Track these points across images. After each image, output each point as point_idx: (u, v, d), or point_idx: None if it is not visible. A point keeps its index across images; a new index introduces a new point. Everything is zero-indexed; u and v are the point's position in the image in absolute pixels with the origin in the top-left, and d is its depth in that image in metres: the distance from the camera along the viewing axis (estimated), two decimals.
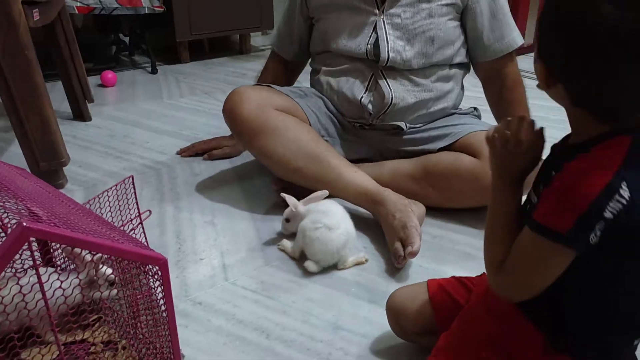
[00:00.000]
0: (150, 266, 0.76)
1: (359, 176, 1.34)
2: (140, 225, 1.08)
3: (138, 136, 1.92)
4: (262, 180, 1.58)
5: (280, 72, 1.65)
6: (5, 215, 0.80)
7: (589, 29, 0.59)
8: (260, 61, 2.89)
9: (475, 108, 1.57)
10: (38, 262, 0.99)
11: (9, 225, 0.82)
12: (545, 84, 0.67)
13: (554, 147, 0.73)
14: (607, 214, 0.60)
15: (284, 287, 1.13)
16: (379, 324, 1.02)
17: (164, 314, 0.80)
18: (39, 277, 0.64)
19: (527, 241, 0.66)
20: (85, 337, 0.95)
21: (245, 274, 1.17)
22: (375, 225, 1.31)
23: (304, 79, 1.71)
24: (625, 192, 0.60)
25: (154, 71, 2.70)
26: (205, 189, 1.55)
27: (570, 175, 0.63)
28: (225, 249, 1.26)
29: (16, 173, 0.89)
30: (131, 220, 1.07)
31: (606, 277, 0.66)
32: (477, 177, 1.28)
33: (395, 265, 1.18)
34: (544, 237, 0.63)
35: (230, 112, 1.39)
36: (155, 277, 0.77)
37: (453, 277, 0.91)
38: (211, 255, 1.24)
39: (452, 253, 1.24)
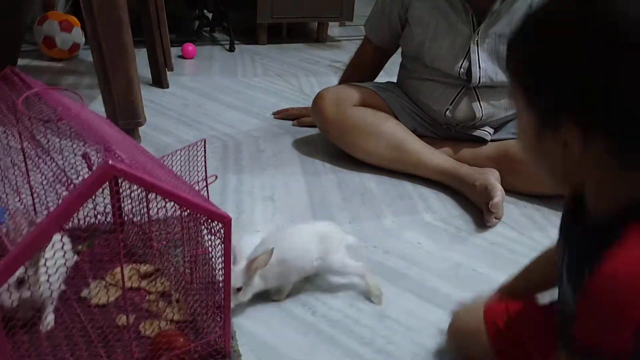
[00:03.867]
0: (214, 223, 0.80)
1: (436, 157, 1.49)
2: (205, 189, 1.12)
3: (210, 108, 1.98)
4: (322, 163, 1.60)
5: (370, 56, 1.71)
6: (92, 152, 0.85)
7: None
8: (335, 51, 2.94)
9: None
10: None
11: (94, 162, 0.87)
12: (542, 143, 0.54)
13: (568, 224, 0.61)
14: None
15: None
16: (424, 319, 1.01)
17: (221, 273, 0.83)
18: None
19: None
20: (142, 285, 1.00)
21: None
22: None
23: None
24: None
25: (232, 49, 2.77)
26: (268, 165, 1.58)
27: (608, 279, 0.49)
28: (281, 224, 1.29)
29: (104, 122, 0.94)
30: (197, 182, 1.11)
31: None
32: None
33: (486, 224, 1.31)
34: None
35: (315, 113, 1.61)
36: (218, 235, 0.80)
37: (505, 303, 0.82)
38: (267, 229, 1.27)
39: (508, 262, 1.21)
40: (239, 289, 0.95)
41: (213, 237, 0.81)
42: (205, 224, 0.81)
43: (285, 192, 1.44)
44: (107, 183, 0.66)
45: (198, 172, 1.11)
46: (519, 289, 0.89)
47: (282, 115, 1.93)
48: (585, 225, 0.58)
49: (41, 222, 0.61)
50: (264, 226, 1.28)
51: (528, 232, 1.31)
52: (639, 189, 0.51)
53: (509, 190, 1.41)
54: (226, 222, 0.77)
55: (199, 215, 0.80)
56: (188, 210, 0.77)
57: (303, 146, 1.72)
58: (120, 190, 1.06)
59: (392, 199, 1.43)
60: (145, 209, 1.04)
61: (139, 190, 1.02)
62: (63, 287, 0.92)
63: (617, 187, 0.53)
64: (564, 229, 0.63)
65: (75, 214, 0.93)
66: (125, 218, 1.10)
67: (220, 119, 1.89)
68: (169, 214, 0.90)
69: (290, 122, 1.89)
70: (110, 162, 0.62)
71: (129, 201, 1.06)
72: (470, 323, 0.82)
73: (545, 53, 0.51)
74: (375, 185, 1.50)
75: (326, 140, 1.66)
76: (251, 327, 0.96)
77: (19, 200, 1.04)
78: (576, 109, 0.50)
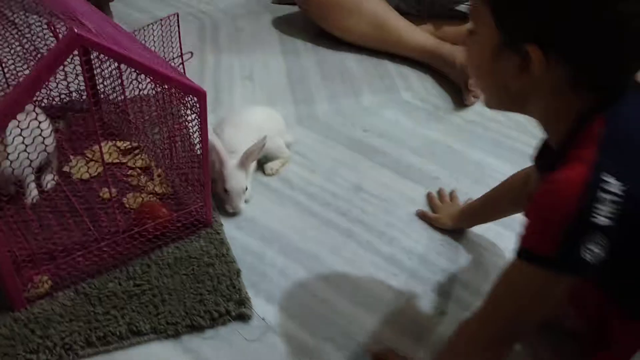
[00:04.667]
0: (189, 98, 0.80)
1: (418, 35, 1.46)
2: (181, 66, 1.10)
3: None
4: (303, 42, 1.57)
5: None
6: (58, 22, 0.83)
7: None
8: None
9: None
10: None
11: (60, 32, 0.85)
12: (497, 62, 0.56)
13: (537, 163, 0.66)
14: (600, 220, 0.49)
15: (313, 147, 1.17)
16: (398, 191, 1.06)
17: (199, 147, 0.84)
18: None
19: (512, 272, 0.57)
20: (124, 161, 1.02)
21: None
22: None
23: None
24: (612, 187, 0.49)
25: None
26: (246, 44, 1.54)
27: (545, 186, 0.53)
28: (260, 102, 1.29)
29: None
30: (173, 59, 1.08)
31: None
32: None
33: (464, 103, 1.32)
34: (528, 264, 0.54)
35: None
36: (194, 109, 0.81)
37: None
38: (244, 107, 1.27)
39: (483, 139, 1.24)
40: (245, 189, 0.96)
41: (189, 111, 0.81)
42: (181, 100, 0.82)
43: (264, 72, 1.42)
44: (79, 58, 0.64)
45: (173, 48, 1.08)
46: (479, 212, 0.93)
47: None
48: (548, 155, 0.62)
49: (11, 92, 0.61)
50: (244, 105, 1.28)
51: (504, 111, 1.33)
52: (577, 110, 0.55)
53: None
54: (201, 95, 0.77)
55: (173, 90, 0.80)
56: (162, 85, 0.76)
57: (283, 25, 1.67)
58: (94, 67, 1.05)
59: (371, 78, 1.42)
60: (121, 87, 1.03)
61: (113, 67, 1.00)
62: (42, 162, 0.94)
63: (562, 108, 0.56)
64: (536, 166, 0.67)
65: (46, 85, 0.92)
66: (102, 96, 1.09)
67: None
68: (146, 91, 0.90)
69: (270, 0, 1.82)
70: (76, 31, 0.61)
71: (104, 80, 1.05)
72: None
73: None
74: (356, 64, 1.48)
75: (306, 19, 1.60)
76: None
77: None
78: (544, 32, 0.52)
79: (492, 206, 0.91)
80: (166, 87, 0.79)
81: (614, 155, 0.51)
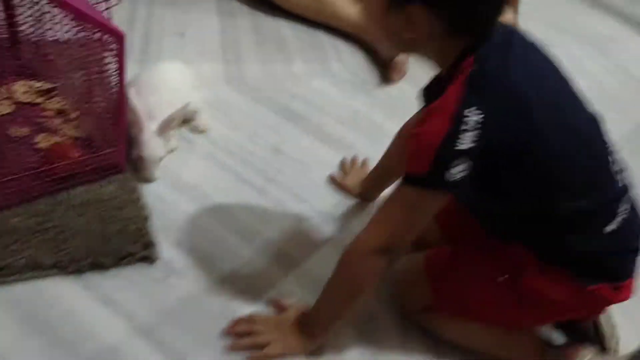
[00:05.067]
0: (109, 39, 0.79)
1: (352, 9, 1.46)
2: (107, 12, 1.08)
3: None
4: (240, 5, 1.56)
5: None
6: None
7: None
8: None
9: None
10: None
11: None
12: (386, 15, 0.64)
13: (424, 95, 0.73)
14: (464, 146, 0.59)
15: (239, 107, 1.19)
16: (317, 156, 1.10)
17: (115, 90, 0.84)
18: None
19: (393, 193, 0.67)
20: (39, 102, 1.00)
21: (203, 86, 1.21)
22: None
23: None
24: (474, 116, 0.59)
25: None
26: (182, 0, 1.52)
27: (420, 120, 0.64)
28: (188, 59, 1.28)
29: None
30: (98, 3, 1.06)
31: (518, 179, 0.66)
32: None
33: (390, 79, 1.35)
34: (406, 185, 0.64)
35: None
36: (111, 51, 0.80)
37: None
38: (174, 61, 1.26)
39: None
40: (160, 159, 0.93)
41: (108, 54, 0.81)
42: (100, 41, 0.81)
43: (197, 30, 1.41)
44: None
45: None
46: (377, 180, 0.98)
47: None
48: (429, 84, 0.72)
49: None
50: (171, 59, 1.27)
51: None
52: (455, 53, 0.64)
53: None
54: (119, 37, 0.77)
55: (94, 32, 0.79)
56: (79, 24, 0.75)
57: None
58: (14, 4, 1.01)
59: (305, 47, 1.44)
60: (42, 28, 1.00)
61: (31, 4, 0.97)
62: None
63: (444, 50, 0.65)
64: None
65: None
66: (21, 35, 1.06)
67: None
68: (70, 35, 0.88)
69: None
70: None
71: (24, 19, 1.02)
72: (410, 273, 0.86)
73: None
74: (291, 33, 1.49)
75: None
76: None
77: None
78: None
79: (387, 172, 0.95)
80: (84, 26, 0.79)
81: (476, 90, 0.60)
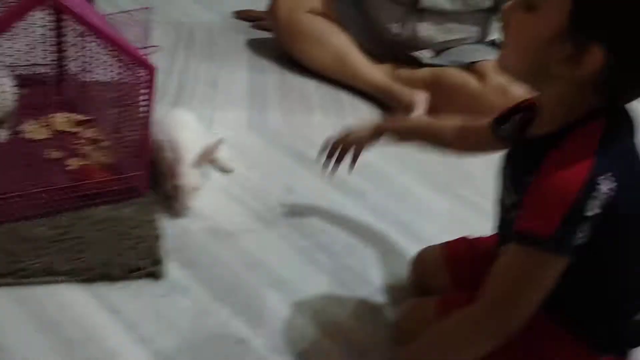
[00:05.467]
0: (142, 73, 0.89)
1: (374, 73, 1.59)
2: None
3: None
4: (270, 63, 1.69)
5: None
6: None
7: None
8: None
9: (493, 41, 1.66)
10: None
11: None
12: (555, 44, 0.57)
13: (515, 139, 0.70)
14: (590, 212, 0.57)
15: (257, 149, 1.27)
16: (326, 197, 1.15)
17: (144, 120, 0.93)
18: None
19: (510, 257, 0.62)
20: (76, 131, 1.10)
21: (227, 131, 1.29)
22: None
23: None
24: (606, 184, 0.57)
25: None
26: (217, 55, 1.66)
27: (546, 177, 0.58)
28: (217, 107, 1.39)
29: None
30: (138, 48, 1.18)
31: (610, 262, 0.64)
32: (479, 99, 1.44)
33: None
34: (526, 246, 0.59)
35: (269, 15, 1.68)
36: (144, 83, 0.90)
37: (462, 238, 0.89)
38: (203, 108, 1.36)
39: (412, 167, 1.35)
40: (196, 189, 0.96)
41: (139, 86, 0.90)
42: (134, 74, 0.91)
43: (228, 82, 1.53)
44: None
45: (140, 40, 1.19)
46: (413, 130, 0.96)
47: (243, 15, 1.97)
48: (533, 139, 0.66)
49: None
50: (201, 104, 1.38)
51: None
52: (595, 105, 0.60)
53: (436, 114, 1.53)
54: (151, 70, 0.87)
55: (128, 66, 0.89)
56: (118, 55, 0.85)
57: (255, 46, 1.79)
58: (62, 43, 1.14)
59: (325, 102, 1.54)
60: (87, 69, 1.12)
61: (80, 47, 1.09)
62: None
63: (577, 102, 0.60)
64: (509, 151, 0.71)
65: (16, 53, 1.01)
66: (67, 71, 1.18)
67: (181, 7, 1.93)
68: (109, 75, 0.99)
69: (250, 24, 1.94)
70: None
71: (74, 56, 1.14)
72: (430, 259, 0.89)
73: None
74: (314, 90, 1.60)
75: (279, 46, 1.73)
76: None
77: None
78: (618, 36, 0.55)
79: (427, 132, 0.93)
80: (122, 62, 0.89)
81: (611, 155, 0.58)
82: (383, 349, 0.82)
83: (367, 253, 1.03)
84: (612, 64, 0.55)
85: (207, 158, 0.98)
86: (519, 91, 1.43)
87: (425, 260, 0.92)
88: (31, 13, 0.72)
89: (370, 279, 0.97)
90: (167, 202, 0.98)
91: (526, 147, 0.67)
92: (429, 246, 0.92)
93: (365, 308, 0.91)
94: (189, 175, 0.95)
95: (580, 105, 0.60)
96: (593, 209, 0.57)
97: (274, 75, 1.63)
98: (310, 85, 1.62)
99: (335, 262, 0.99)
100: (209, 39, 1.75)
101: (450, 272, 0.85)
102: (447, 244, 0.90)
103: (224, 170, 1.13)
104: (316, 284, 0.93)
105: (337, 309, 0.89)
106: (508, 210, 0.69)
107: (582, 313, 0.68)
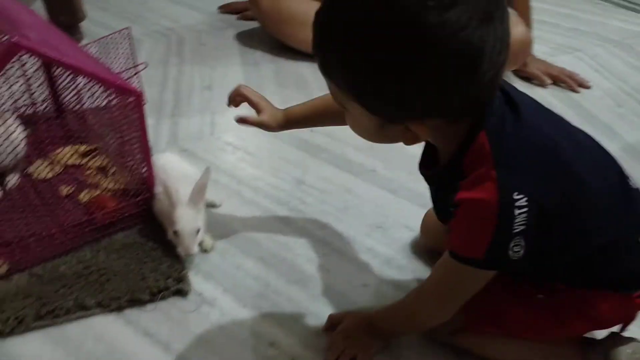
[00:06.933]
0: (130, 99, 0.90)
1: None
2: (136, 77, 1.20)
3: (154, 3, 2.00)
4: (262, 54, 1.68)
5: None
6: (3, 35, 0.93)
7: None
8: None
9: None
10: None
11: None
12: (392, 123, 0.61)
13: (425, 175, 0.74)
14: (517, 229, 0.59)
15: (262, 146, 1.27)
16: (337, 184, 1.15)
17: (138, 144, 0.94)
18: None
19: (450, 268, 0.67)
20: (83, 162, 1.12)
21: (230, 132, 1.30)
22: None
23: None
24: (518, 201, 0.58)
25: None
26: (208, 57, 1.65)
27: (464, 207, 0.61)
28: (216, 110, 1.39)
29: (24, 10, 1.01)
30: (126, 69, 1.19)
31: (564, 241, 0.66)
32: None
33: None
34: (461, 263, 0.64)
35: (252, 5, 1.67)
36: (131, 109, 0.90)
37: None
38: (203, 114, 1.37)
39: None
40: (198, 230, 0.90)
41: (128, 111, 0.91)
42: (123, 103, 0.91)
43: (223, 82, 1.53)
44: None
45: (126, 60, 1.19)
46: (302, 121, 0.99)
47: (228, 9, 1.96)
48: (438, 167, 0.70)
49: None
50: (201, 111, 1.38)
51: None
52: (462, 133, 0.63)
53: None
54: (137, 95, 0.87)
55: (115, 93, 0.90)
56: (100, 86, 0.86)
57: (245, 39, 1.78)
58: (57, 81, 1.15)
59: (322, 84, 1.51)
60: (78, 97, 1.13)
61: (71, 80, 1.11)
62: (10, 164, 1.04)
63: (449, 136, 0.64)
64: (422, 174, 0.75)
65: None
66: (64, 106, 1.20)
67: (164, 13, 1.92)
68: (102, 102, 1.00)
69: (235, 16, 1.93)
70: (14, 39, 0.71)
71: (65, 91, 1.15)
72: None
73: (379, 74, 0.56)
74: (310, 73, 1.59)
75: (266, 33, 1.72)
76: None
77: None
78: (416, 112, 0.59)
79: (315, 119, 0.97)
80: (106, 88, 0.90)
81: (506, 169, 0.59)
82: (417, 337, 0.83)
83: (389, 232, 1.03)
84: (431, 119, 0.60)
85: (201, 194, 0.93)
86: (518, 34, 1.41)
87: (430, 217, 0.94)
88: (10, 64, 0.72)
89: (395, 259, 0.97)
90: (173, 250, 0.93)
91: (439, 179, 0.71)
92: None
93: (395, 295, 0.92)
94: (186, 218, 0.90)
95: (452, 136, 0.63)
96: (518, 224, 0.59)
97: (268, 65, 1.63)
98: (305, 69, 1.60)
99: (357, 247, 0.99)
100: (197, 41, 1.75)
101: None
102: None
103: (215, 205, 1.08)
104: (341, 272, 0.94)
105: (366, 296, 0.90)
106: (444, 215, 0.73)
107: (588, 272, 0.70)
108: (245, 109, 1.01)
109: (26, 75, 1.15)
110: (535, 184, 0.60)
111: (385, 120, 0.61)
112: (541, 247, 0.63)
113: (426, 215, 0.97)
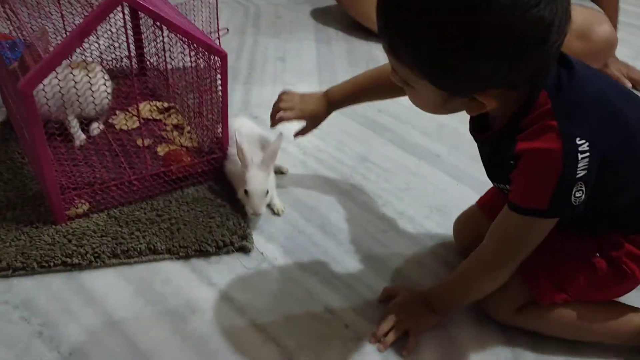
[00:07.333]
0: (215, 59, 0.93)
1: None
2: (217, 40, 1.25)
3: None
4: (336, 31, 1.69)
5: None
6: None
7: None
8: None
9: None
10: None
11: None
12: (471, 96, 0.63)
13: (481, 138, 0.75)
14: (580, 174, 0.62)
15: (329, 120, 1.29)
16: (400, 164, 1.17)
17: (220, 103, 0.98)
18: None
19: (510, 222, 0.69)
20: (161, 118, 1.18)
21: None
22: None
23: None
24: (580, 147, 0.61)
25: None
26: (283, 30, 1.69)
27: (526, 158, 0.63)
28: (288, 81, 1.42)
29: None
30: (210, 33, 1.23)
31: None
32: None
33: None
34: (524, 215, 0.66)
35: None
36: (216, 69, 0.94)
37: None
38: (274, 84, 1.41)
39: None
40: (267, 192, 0.94)
41: (213, 71, 0.95)
42: (208, 61, 0.95)
43: (296, 55, 1.56)
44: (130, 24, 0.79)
45: (211, 25, 1.23)
46: (344, 96, 1.01)
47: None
48: (495, 130, 0.72)
49: (67, 37, 0.76)
50: (272, 81, 1.42)
51: None
52: (523, 95, 0.66)
53: None
54: (222, 56, 0.91)
55: (203, 54, 0.94)
56: (191, 45, 0.90)
57: (320, 15, 1.80)
58: (142, 33, 1.21)
59: None
60: (163, 56, 1.18)
61: (159, 38, 1.16)
62: (97, 112, 1.10)
63: (511, 100, 0.66)
64: (475, 138, 0.78)
65: (100, 51, 1.08)
66: (148, 64, 1.26)
67: None
68: (186, 63, 1.05)
69: None
70: None
71: (151, 48, 1.21)
72: (468, 221, 0.94)
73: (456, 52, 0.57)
74: (381, 53, 1.58)
75: (341, 11, 1.73)
76: None
77: (51, 22, 1.19)
78: (483, 84, 0.61)
79: (360, 95, 1.00)
80: (196, 51, 0.94)
81: (568, 120, 0.62)
82: (467, 319, 0.84)
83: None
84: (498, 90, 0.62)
85: (273, 158, 0.97)
86: (603, 32, 1.36)
87: (464, 215, 0.95)
88: (111, 13, 0.77)
89: (452, 243, 0.98)
90: (242, 209, 0.97)
91: (497, 139, 0.71)
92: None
93: (447, 272, 0.93)
94: (257, 179, 0.93)
95: (512, 104, 0.66)
96: (581, 169, 0.62)
97: (341, 44, 1.64)
98: (377, 50, 1.61)
99: (416, 226, 1.01)
100: (274, 14, 1.78)
101: (488, 216, 0.87)
102: (480, 197, 0.94)
103: (281, 172, 1.11)
104: (398, 249, 0.96)
105: (422, 274, 0.92)
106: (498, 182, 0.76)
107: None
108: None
109: (114, 32, 1.21)
110: (595, 129, 0.63)
111: (452, 94, 0.64)
112: (599, 192, 0.66)
113: (457, 220, 0.96)
